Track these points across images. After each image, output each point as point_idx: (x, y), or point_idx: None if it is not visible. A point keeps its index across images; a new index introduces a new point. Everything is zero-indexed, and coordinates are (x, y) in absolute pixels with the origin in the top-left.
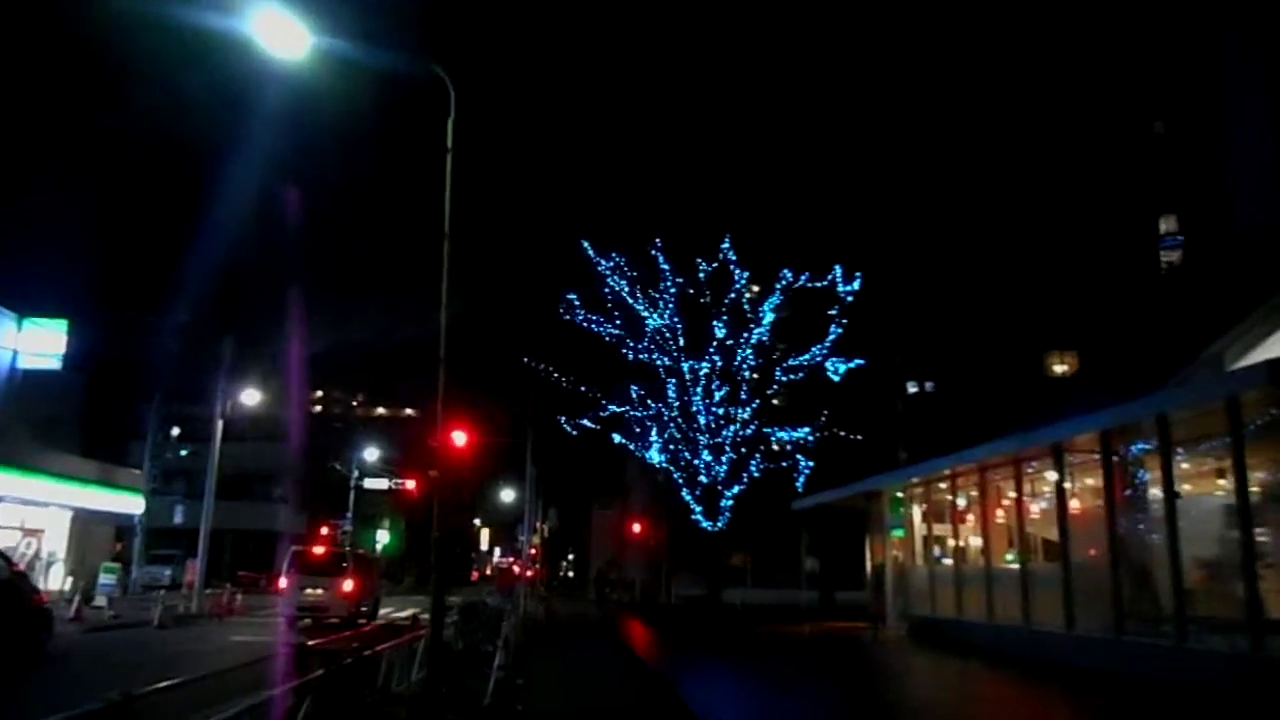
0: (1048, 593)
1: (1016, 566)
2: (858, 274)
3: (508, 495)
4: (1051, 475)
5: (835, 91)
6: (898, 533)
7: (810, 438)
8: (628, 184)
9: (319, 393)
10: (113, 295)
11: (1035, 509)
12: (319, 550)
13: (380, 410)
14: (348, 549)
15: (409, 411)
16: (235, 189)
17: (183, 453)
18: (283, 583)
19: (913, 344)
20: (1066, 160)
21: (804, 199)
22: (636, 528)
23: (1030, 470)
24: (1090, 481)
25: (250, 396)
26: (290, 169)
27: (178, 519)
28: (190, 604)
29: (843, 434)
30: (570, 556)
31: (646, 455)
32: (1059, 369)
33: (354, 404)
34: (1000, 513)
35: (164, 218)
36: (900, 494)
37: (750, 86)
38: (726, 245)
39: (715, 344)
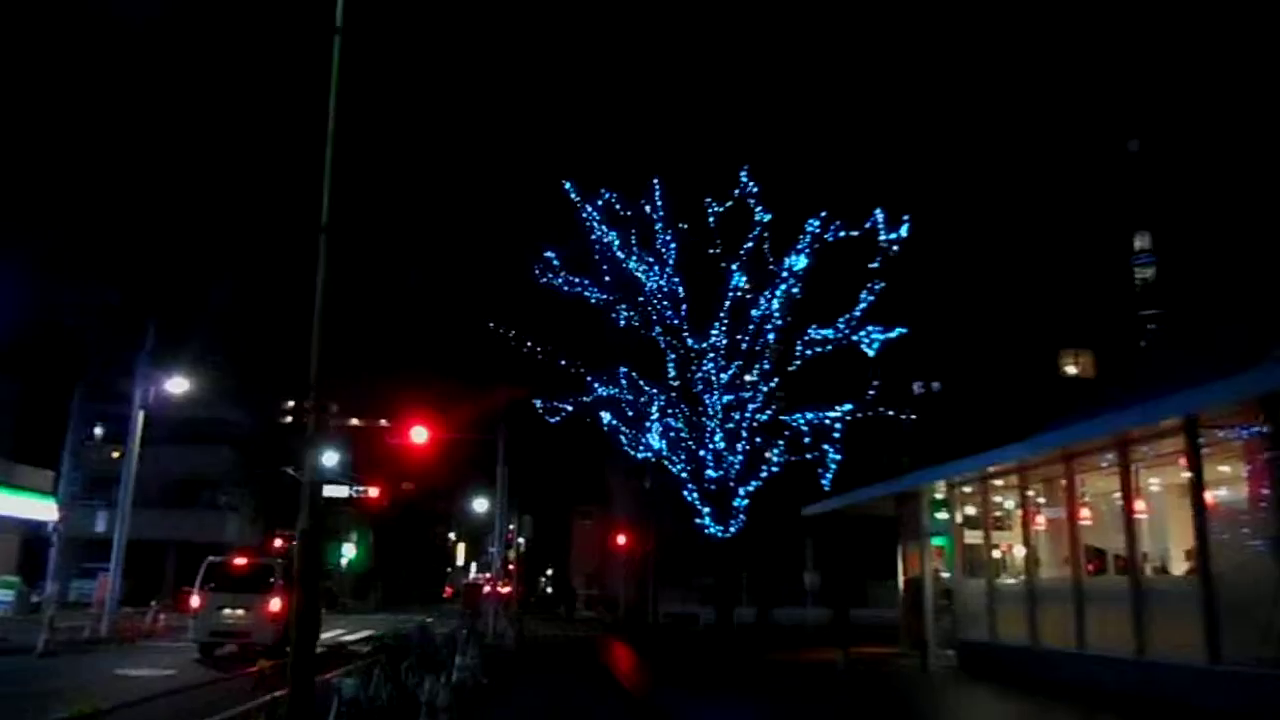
0: (1175, 614)
1: (1121, 581)
2: (905, 218)
3: (481, 505)
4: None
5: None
6: (938, 541)
7: (847, 418)
8: (620, 108)
9: (290, 402)
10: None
11: (1148, 507)
12: (240, 562)
13: (354, 421)
14: (278, 561)
15: (383, 422)
16: (180, 154)
17: (115, 455)
18: (194, 601)
19: (919, 341)
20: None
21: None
22: (621, 539)
23: (1145, 455)
24: (1230, 469)
25: (177, 385)
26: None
27: (99, 527)
28: (100, 625)
29: (891, 413)
30: (549, 572)
31: (644, 440)
32: (1071, 369)
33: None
34: (1089, 513)
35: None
36: (942, 495)
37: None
38: (745, 179)
39: (730, 300)
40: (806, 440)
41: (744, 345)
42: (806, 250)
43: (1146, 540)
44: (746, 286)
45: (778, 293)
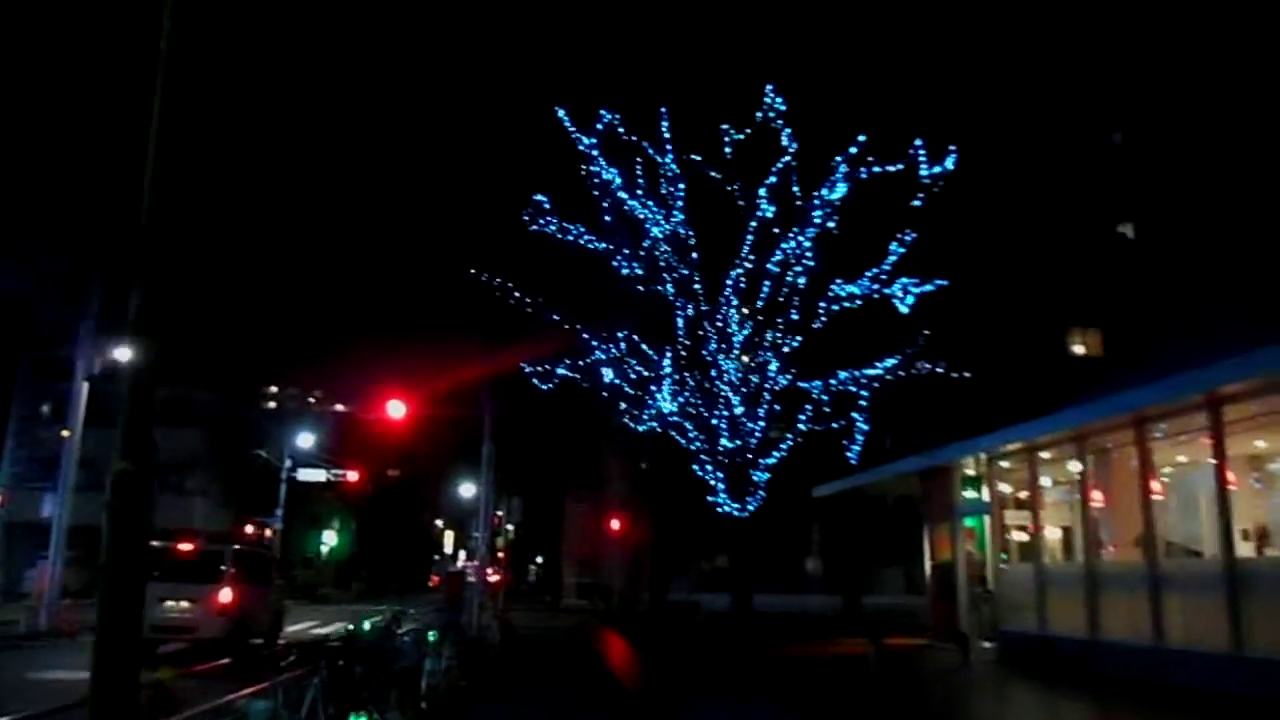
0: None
1: (1212, 565)
2: (951, 149)
3: (468, 490)
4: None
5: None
6: (970, 521)
7: (887, 376)
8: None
9: (273, 388)
10: None
11: (1242, 477)
12: (186, 547)
13: (339, 407)
14: (231, 546)
15: (339, 406)
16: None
17: (66, 434)
18: None
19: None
20: None
21: None
22: (616, 524)
23: (1252, 413)
24: None
25: (126, 353)
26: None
27: (45, 511)
28: (38, 618)
29: (946, 371)
30: (539, 560)
31: (651, 404)
32: (1079, 349)
33: (310, 400)
34: (1160, 486)
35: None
36: (975, 470)
37: None
38: (770, 96)
39: (751, 236)
40: (826, 410)
41: (766, 290)
42: (842, 179)
43: (1243, 516)
44: (771, 218)
45: (809, 229)
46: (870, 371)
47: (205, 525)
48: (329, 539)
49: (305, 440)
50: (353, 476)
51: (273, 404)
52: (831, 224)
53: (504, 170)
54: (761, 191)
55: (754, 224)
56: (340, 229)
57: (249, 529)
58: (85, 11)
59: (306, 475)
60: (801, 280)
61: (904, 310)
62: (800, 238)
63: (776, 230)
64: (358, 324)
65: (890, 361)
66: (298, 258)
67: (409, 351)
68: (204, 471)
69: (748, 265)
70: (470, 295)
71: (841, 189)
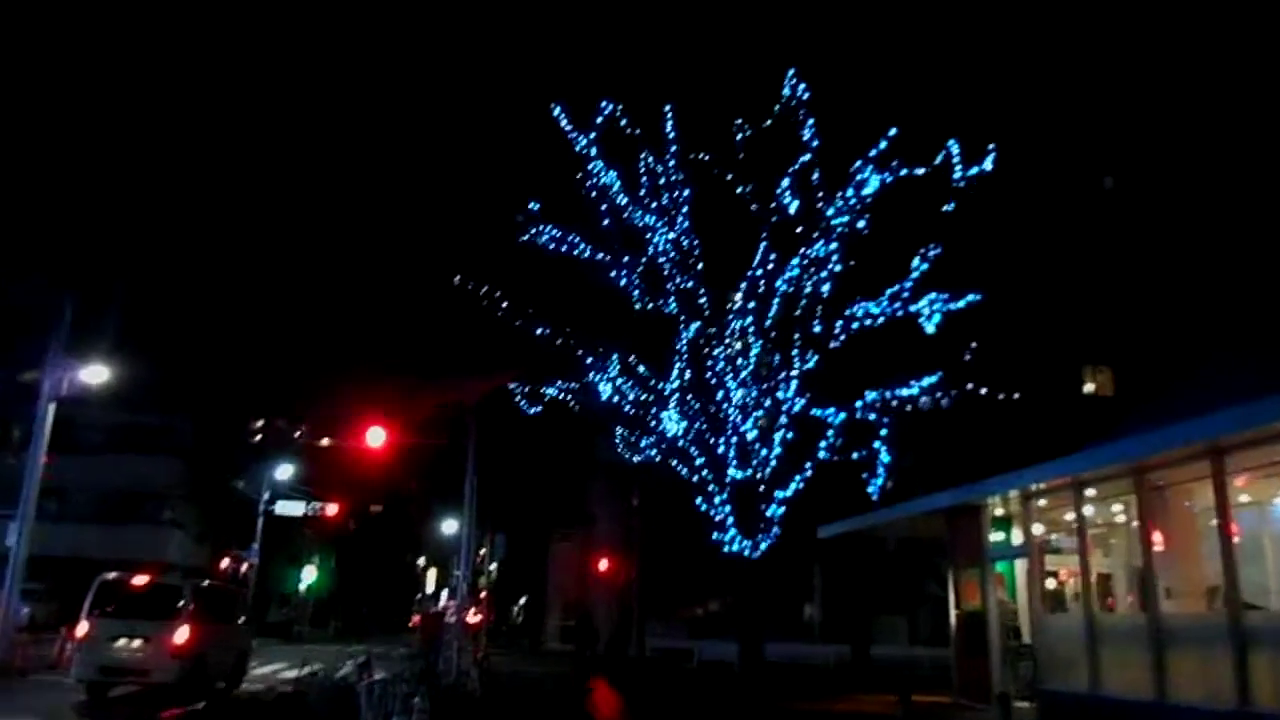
0: None
1: None
2: (990, 147)
3: (450, 526)
4: None
5: None
6: (1001, 566)
7: (922, 398)
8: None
9: (260, 421)
10: None
11: None
12: (140, 581)
13: (325, 442)
14: (189, 582)
15: (325, 441)
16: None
17: (41, 460)
18: (81, 628)
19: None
20: None
21: None
22: (604, 564)
23: None
24: None
25: (94, 374)
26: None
27: (9, 539)
28: None
29: (988, 392)
30: (523, 600)
31: (654, 428)
32: (1089, 386)
33: (296, 435)
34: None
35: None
36: (1003, 510)
37: None
38: (791, 80)
39: (765, 244)
40: (841, 439)
41: (779, 302)
42: (874, 171)
43: None
44: (793, 216)
45: (836, 228)
46: (904, 391)
47: (182, 559)
48: (308, 575)
49: (284, 472)
50: (332, 510)
51: (259, 437)
52: (861, 223)
53: (491, 175)
54: (785, 181)
55: (768, 228)
56: (321, 241)
57: (225, 563)
58: (52, 35)
59: (285, 508)
60: (825, 287)
61: (930, 330)
62: (824, 239)
63: (800, 229)
64: (339, 349)
65: (930, 379)
66: (275, 279)
67: (392, 378)
68: (181, 503)
69: (767, 267)
70: (455, 312)
71: (874, 183)
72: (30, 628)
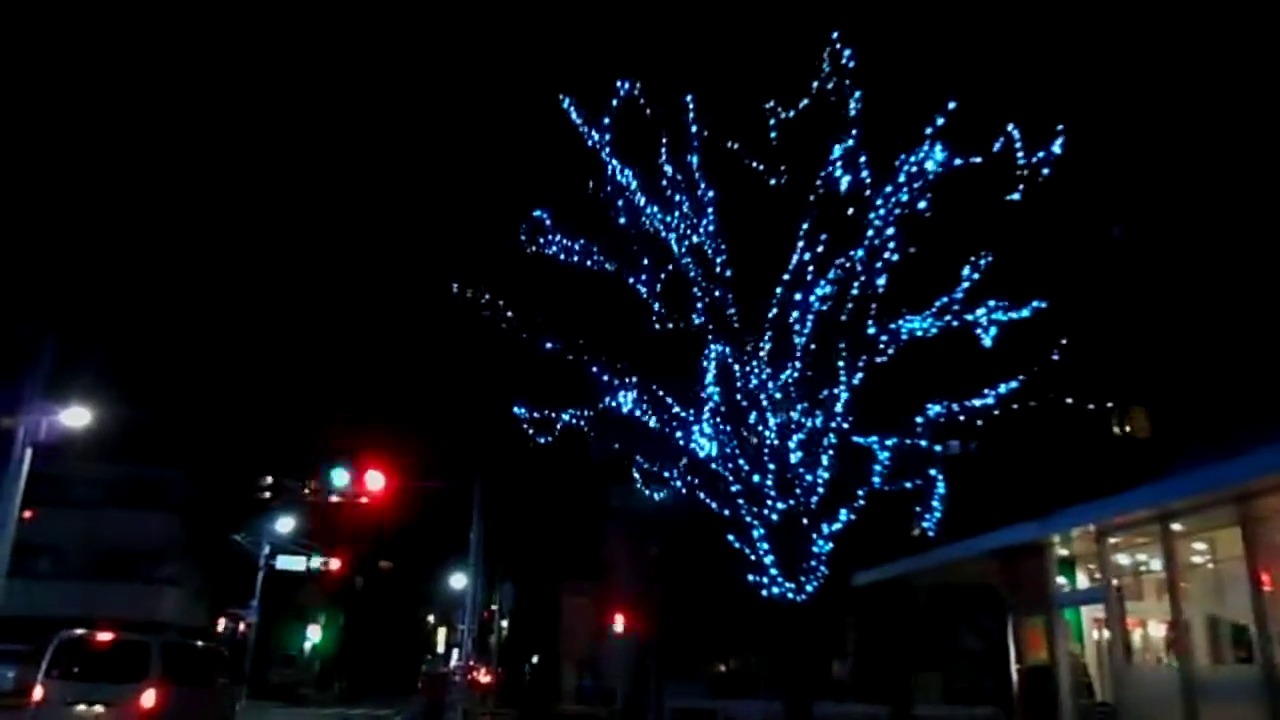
0: None
1: None
2: (1060, 128)
3: (459, 581)
4: None
5: None
6: (1069, 615)
7: (995, 411)
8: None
9: (269, 478)
10: None
11: None
12: (103, 638)
13: (334, 498)
14: (157, 639)
15: (333, 498)
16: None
17: (26, 515)
18: (38, 692)
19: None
20: None
21: None
22: (620, 619)
23: None
24: None
25: (75, 416)
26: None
27: None
28: None
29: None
30: (535, 659)
31: (685, 447)
32: (1118, 429)
33: (305, 491)
34: None
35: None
36: (1068, 550)
37: None
38: (834, 45)
39: (808, 225)
40: (887, 467)
41: (816, 309)
42: (939, 140)
43: None
44: (843, 195)
45: (895, 207)
46: (977, 402)
47: (178, 618)
48: (313, 634)
49: (285, 525)
50: (335, 564)
51: (268, 494)
52: (922, 204)
53: (493, 178)
54: (836, 151)
55: (812, 216)
56: (320, 256)
57: (222, 622)
58: (36, 56)
59: (286, 563)
60: (881, 279)
61: (987, 342)
62: (881, 222)
63: (850, 210)
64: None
65: (1007, 385)
66: (267, 316)
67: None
68: (177, 559)
69: (805, 258)
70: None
71: (938, 156)
72: (16, 692)
